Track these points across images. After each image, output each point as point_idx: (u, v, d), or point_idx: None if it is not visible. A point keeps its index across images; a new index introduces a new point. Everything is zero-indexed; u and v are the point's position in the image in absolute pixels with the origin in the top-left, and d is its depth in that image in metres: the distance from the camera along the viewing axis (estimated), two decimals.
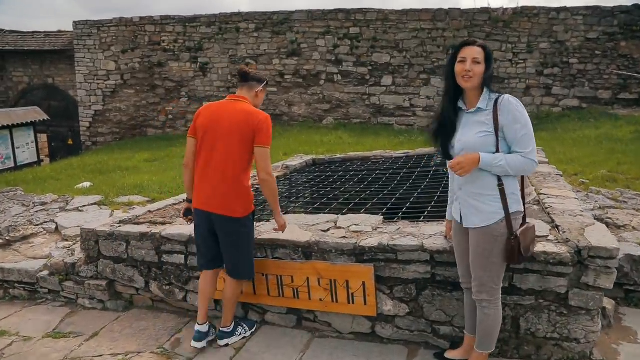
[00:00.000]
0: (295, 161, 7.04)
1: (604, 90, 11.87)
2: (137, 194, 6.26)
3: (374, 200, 4.63)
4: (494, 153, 2.19)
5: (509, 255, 2.23)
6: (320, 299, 2.95)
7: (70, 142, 16.76)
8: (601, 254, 2.41)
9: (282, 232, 2.97)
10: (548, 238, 2.61)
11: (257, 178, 2.84)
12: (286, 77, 13.24)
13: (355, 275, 2.81)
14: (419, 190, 4.75)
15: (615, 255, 2.40)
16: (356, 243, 2.82)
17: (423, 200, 4.43)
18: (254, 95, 2.89)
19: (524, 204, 2.33)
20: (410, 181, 5.35)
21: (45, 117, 13.33)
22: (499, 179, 2.21)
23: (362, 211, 4.28)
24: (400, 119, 12.75)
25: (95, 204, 5.75)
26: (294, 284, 3.02)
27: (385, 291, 2.83)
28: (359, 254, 2.82)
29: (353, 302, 2.87)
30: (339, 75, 12.97)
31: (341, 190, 5.21)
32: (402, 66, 12.57)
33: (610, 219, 3.77)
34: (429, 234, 2.82)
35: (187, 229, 3.47)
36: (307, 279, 2.96)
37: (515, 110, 2.15)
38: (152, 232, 3.57)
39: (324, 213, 4.12)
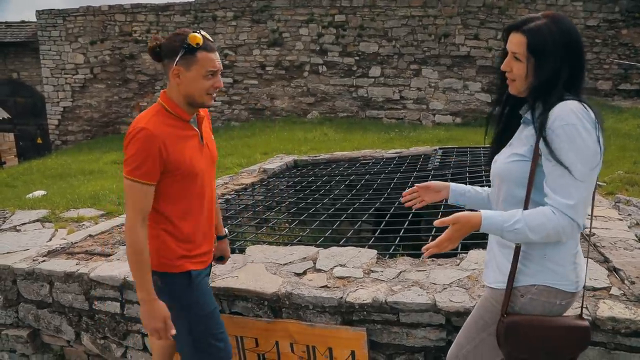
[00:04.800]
0: (275, 163, 6.26)
1: (603, 81, 11.23)
2: (91, 206, 5.40)
3: (364, 217, 3.87)
4: (525, 187, 1.41)
5: (497, 339, 1.50)
6: None
7: (39, 141, 15.74)
8: None
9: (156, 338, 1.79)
10: (611, 292, 1.86)
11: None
12: (267, 68, 12.37)
13: (341, 343, 2.05)
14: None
15: None
16: (342, 298, 2.05)
17: (424, 217, 3.69)
18: (172, 81, 1.75)
19: (583, 281, 1.47)
20: (406, 189, 4.59)
21: (6, 115, 12.31)
22: None
23: (350, 233, 3.52)
24: (389, 112, 11.98)
25: (37, 220, 4.89)
26: (258, 349, 2.24)
27: None
28: (346, 313, 2.05)
29: None
30: (324, 66, 12.13)
31: (324, 201, 4.44)
32: (391, 56, 11.77)
33: None
34: (442, 284, 2.05)
35: (121, 269, 2.67)
36: (276, 343, 2.19)
37: (561, 130, 1.31)
38: (80, 272, 2.77)
39: (302, 238, 3.35)
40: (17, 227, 4.73)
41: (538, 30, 1.37)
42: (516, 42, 1.40)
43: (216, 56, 1.74)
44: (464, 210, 1.48)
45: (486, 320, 1.54)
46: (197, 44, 1.66)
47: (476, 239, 2.89)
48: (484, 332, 1.55)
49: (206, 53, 1.70)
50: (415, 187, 1.79)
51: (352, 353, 2.04)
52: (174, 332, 1.73)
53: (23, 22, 14.58)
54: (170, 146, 1.69)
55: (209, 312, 1.85)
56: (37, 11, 13.09)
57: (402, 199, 1.81)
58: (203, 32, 1.71)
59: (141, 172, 1.65)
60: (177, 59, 1.68)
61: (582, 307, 1.48)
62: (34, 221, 4.89)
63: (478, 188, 1.77)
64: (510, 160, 1.46)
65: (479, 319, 1.58)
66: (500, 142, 1.59)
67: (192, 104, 1.77)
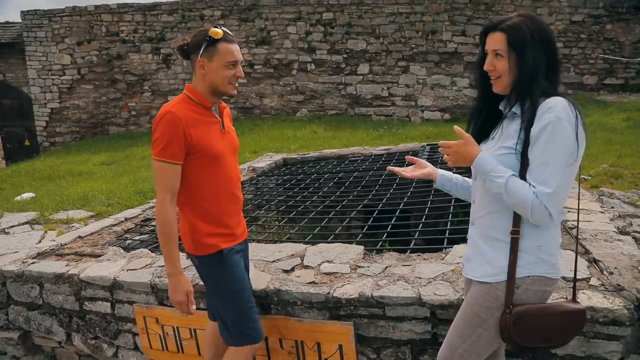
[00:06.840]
0: (264, 162, 6.28)
1: (589, 76, 11.37)
2: (81, 208, 5.39)
3: (353, 214, 3.91)
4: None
5: (501, 332, 1.53)
6: None
7: (27, 143, 15.60)
8: None
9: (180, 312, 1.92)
10: (590, 283, 1.92)
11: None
12: (256, 67, 12.36)
13: (328, 337, 2.09)
14: (405, 199, 4.05)
15: None
16: (329, 293, 2.09)
17: (412, 212, 3.74)
18: (198, 73, 1.91)
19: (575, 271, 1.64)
20: (394, 185, 4.65)
21: None
22: (515, 221, 1.48)
23: (339, 229, 3.56)
24: (378, 109, 12.04)
25: (26, 222, 4.87)
26: None
27: (370, 355, 2.11)
28: (334, 308, 2.09)
29: None
30: (312, 64, 12.16)
31: (313, 199, 4.47)
32: (379, 53, 11.82)
33: (638, 232, 3.12)
34: (427, 278, 2.10)
35: (111, 269, 2.69)
36: (266, 338, 2.22)
37: (550, 122, 1.39)
38: (70, 273, 2.78)
39: (291, 235, 3.38)
40: (6, 230, 4.71)
41: (516, 26, 1.46)
42: (496, 40, 1.49)
43: (236, 48, 1.91)
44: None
45: (482, 316, 1.55)
46: (219, 37, 1.84)
47: (463, 234, 2.95)
48: (480, 328, 1.56)
49: (227, 44, 1.87)
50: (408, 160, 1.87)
51: (340, 347, 2.08)
52: (194, 307, 1.87)
53: (8, 22, 14.40)
54: (193, 129, 1.84)
55: (240, 288, 1.96)
56: (22, 12, 12.96)
57: (388, 169, 1.89)
58: (224, 28, 1.90)
59: (168, 152, 1.81)
60: (201, 51, 1.86)
61: (574, 291, 1.58)
62: (22, 223, 4.87)
63: (466, 178, 1.81)
64: (499, 153, 1.50)
65: (474, 317, 1.57)
66: (479, 137, 1.64)
67: (216, 94, 1.93)
